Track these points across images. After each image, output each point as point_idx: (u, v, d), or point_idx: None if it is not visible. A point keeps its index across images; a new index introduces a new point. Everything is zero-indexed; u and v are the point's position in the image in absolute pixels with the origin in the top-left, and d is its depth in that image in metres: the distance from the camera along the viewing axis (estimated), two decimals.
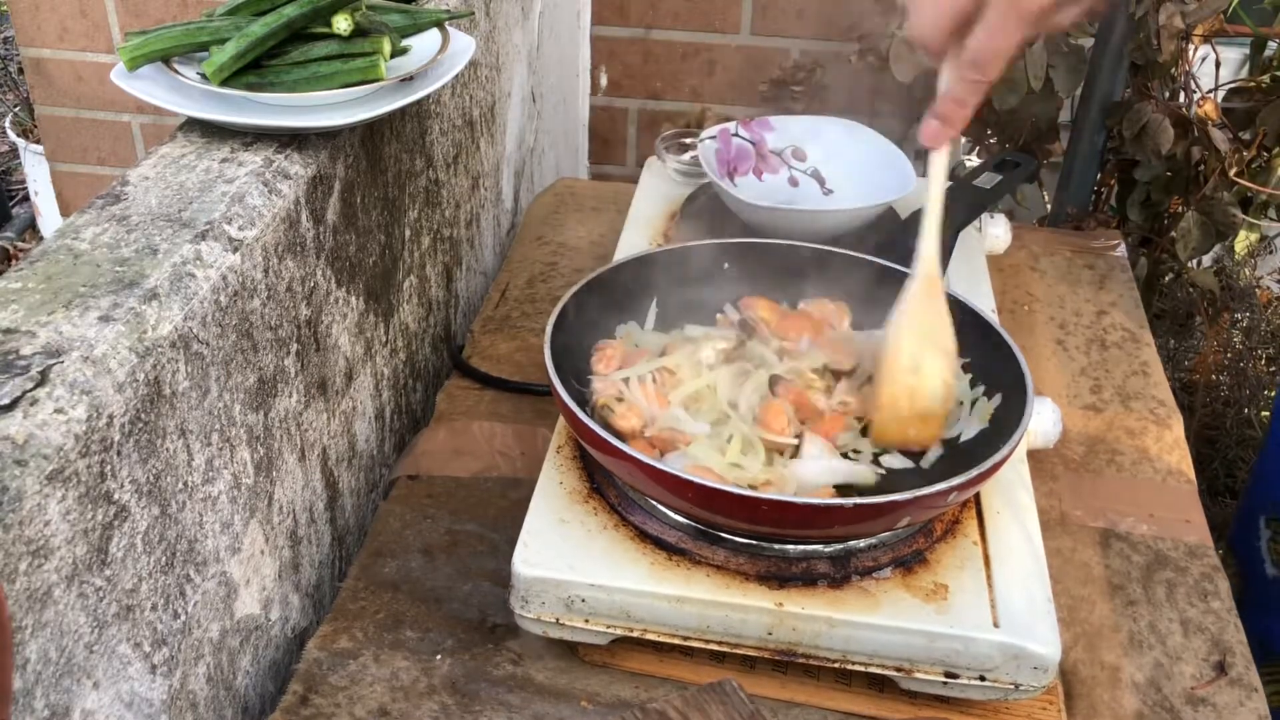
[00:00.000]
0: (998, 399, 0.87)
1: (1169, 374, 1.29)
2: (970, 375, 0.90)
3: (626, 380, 0.88)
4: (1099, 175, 1.60)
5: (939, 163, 0.80)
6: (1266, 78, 1.55)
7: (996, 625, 0.76)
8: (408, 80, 0.90)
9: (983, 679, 0.76)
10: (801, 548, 0.79)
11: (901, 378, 0.83)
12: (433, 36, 0.96)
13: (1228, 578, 0.93)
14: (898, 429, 0.84)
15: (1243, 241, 1.70)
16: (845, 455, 0.85)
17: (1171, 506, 0.99)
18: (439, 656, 0.83)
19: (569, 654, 0.84)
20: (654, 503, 0.82)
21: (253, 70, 0.86)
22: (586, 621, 0.79)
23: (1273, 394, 1.63)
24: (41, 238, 2.39)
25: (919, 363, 0.82)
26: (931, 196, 0.81)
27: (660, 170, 1.28)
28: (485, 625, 0.86)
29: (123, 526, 0.64)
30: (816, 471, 0.82)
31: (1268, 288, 1.83)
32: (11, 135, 2.45)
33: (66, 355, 0.62)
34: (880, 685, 0.80)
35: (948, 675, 0.77)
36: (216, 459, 0.74)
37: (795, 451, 0.84)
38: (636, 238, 1.17)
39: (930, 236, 0.82)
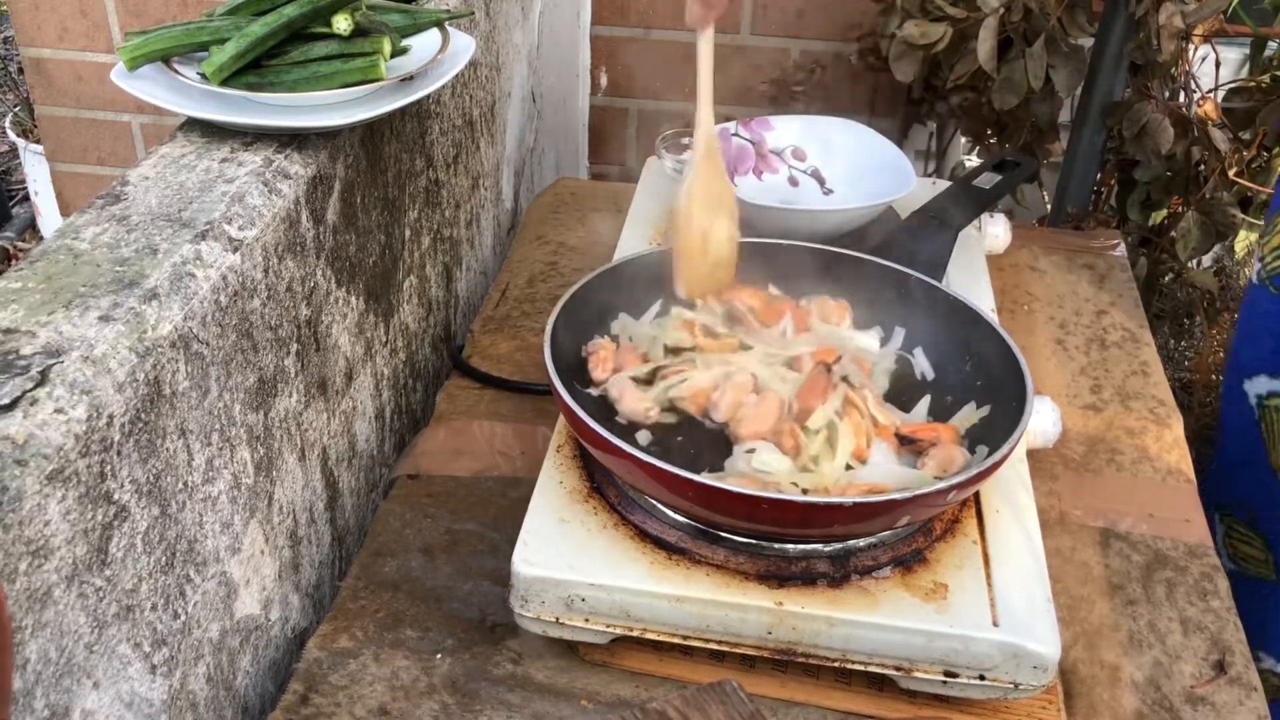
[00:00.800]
0: (986, 409, 0.87)
1: (1168, 374, 1.29)
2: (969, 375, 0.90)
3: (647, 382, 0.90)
4: (1099, 175, 1.59)
5: (705, 43, 0.89)
6: (1266, 78, 1.55)
7: (996, 624, 0.76)
8: (408, 80, 0.90)
9: (982, 678, 0.76)
10: (801, 547, 0.80)
11: (696, 238, 0.94)
12: (433, 36, 0.96)
13: None
14: (699, 280, 0.96)
15: (1242, 241, 1.69)
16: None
17: (1171, 506, 0.99)
18: (439, 656, 0.83)
19: (569, 653, 0.84)
20: (654, 502, 0.82)
21: (253, 70, 0.86)
22: (586, 621, 0.79)
23: None
24: (41, 238, 2.39)
25: (708, 224, 0.94)
26: (701, 71, 0.90)
27: (660, 170, 1.28)
28: (485, 625, 0.86)
29: (123, 526, 0.64)
30: (879, 477, 0.82)
31: None
32: (11, 135, 2.45)
33: (66, 355, 0.62)
34: (880, 684, 0.80)
35: (947, 674, 0.77)
36: (216, 459, 0.74)
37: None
38: (636, 238, 1.17)
39: (704, 107, 0.91)
